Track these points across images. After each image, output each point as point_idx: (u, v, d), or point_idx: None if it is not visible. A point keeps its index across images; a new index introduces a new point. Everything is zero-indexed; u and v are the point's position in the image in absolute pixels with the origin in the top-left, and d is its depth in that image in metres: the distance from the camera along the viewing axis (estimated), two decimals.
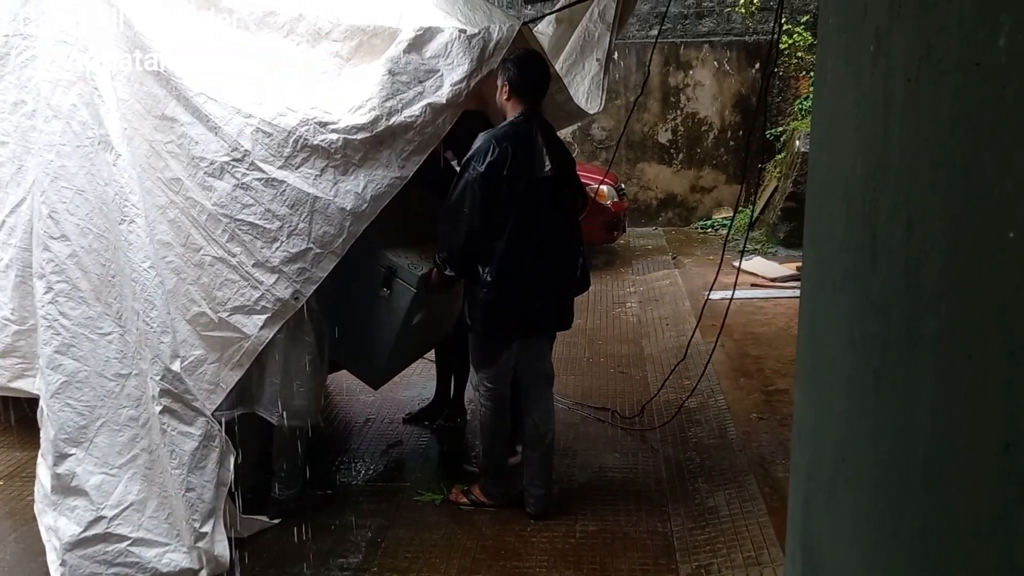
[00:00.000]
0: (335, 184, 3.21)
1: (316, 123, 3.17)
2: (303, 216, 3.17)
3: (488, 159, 3.36)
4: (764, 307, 6.80)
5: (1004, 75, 0.72)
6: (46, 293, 3.15)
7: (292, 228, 3.17)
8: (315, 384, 3.64)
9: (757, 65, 10.25)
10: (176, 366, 3.11)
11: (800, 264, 7.74)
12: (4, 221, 3.58)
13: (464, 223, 3.41)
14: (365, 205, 3.25)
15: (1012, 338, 0.70)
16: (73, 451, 3.12)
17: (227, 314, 3.18)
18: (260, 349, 3.25)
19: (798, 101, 10.12)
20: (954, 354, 0.79)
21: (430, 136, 3.35)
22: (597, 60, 4.27)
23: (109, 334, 3.16)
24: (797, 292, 6.82)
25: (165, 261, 3.15)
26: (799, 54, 9.91)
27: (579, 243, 3.85)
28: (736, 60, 10.33)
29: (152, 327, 3.11)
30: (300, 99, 3.26)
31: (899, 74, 0.93)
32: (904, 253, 0.90)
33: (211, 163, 3.13)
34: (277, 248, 3.17)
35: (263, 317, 3.20)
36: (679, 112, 10.50)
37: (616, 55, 4.60)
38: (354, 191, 3.23)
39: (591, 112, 4.33)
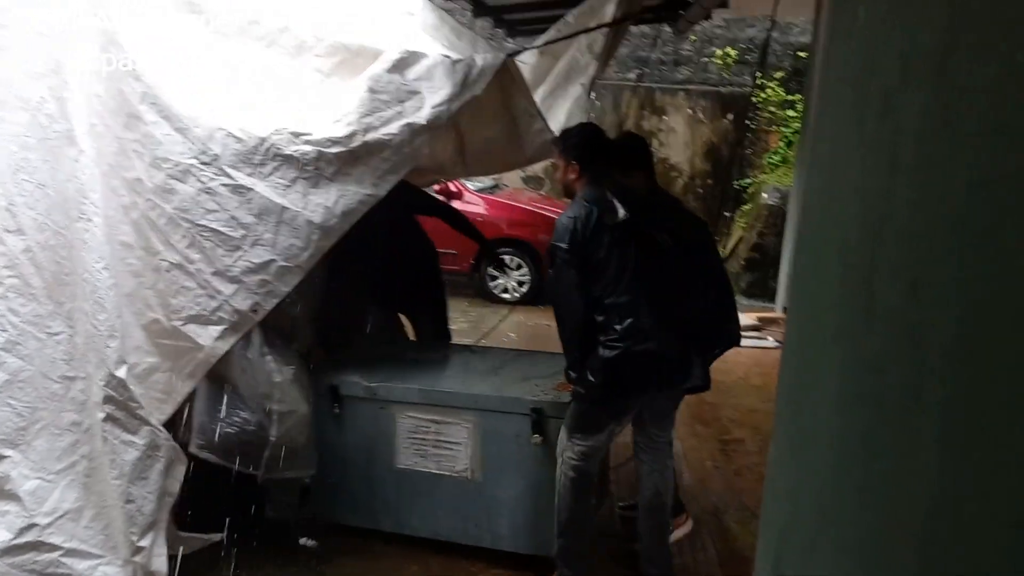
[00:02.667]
0: (305, 196, 3.13)
1: (290, 132, 3.10)
2: (269, 226, 3.09)
3: (570, 233, 3.14)
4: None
5: None
6: None
7: (256, 237, 3.08)
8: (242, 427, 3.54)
9: (730, 115, 10.40)
10: (122, 372, 2.99)
11: (761, 315, 7.82)
12: None
13: (575, 308, 3.15)
14: (335, 220, 3.17)
15: None
16: (9, 453, 2.98)
17: (181, 323, 3.07)
18: (213, 362, 3.16)
19: (767, 155, 10.28)
20: (962, 423, 0.77)
21: (406, 157, 3.29)
22: (581, 85, 4.28)
23: (58, 334, 3.04)
24: (757, 343, 6.79)
25: (125, 263, 3.04)
26: (771, 108, 10.10)
27: (718, 284, 3.52)
28: (710, 109, 10.47)
29: (100, 330, 2.99)
30: (275, 107, 3.20)
31: (909, 135, 0.92)
32: (906, 316, 0.88)
33: (175, 164, 3.04)
34: (239, 257, 3.07)
35: (219, 328, 3.10)
36: None
37: (593, 94, 4.62)
38: (324, 205, 3.15)
39: None
